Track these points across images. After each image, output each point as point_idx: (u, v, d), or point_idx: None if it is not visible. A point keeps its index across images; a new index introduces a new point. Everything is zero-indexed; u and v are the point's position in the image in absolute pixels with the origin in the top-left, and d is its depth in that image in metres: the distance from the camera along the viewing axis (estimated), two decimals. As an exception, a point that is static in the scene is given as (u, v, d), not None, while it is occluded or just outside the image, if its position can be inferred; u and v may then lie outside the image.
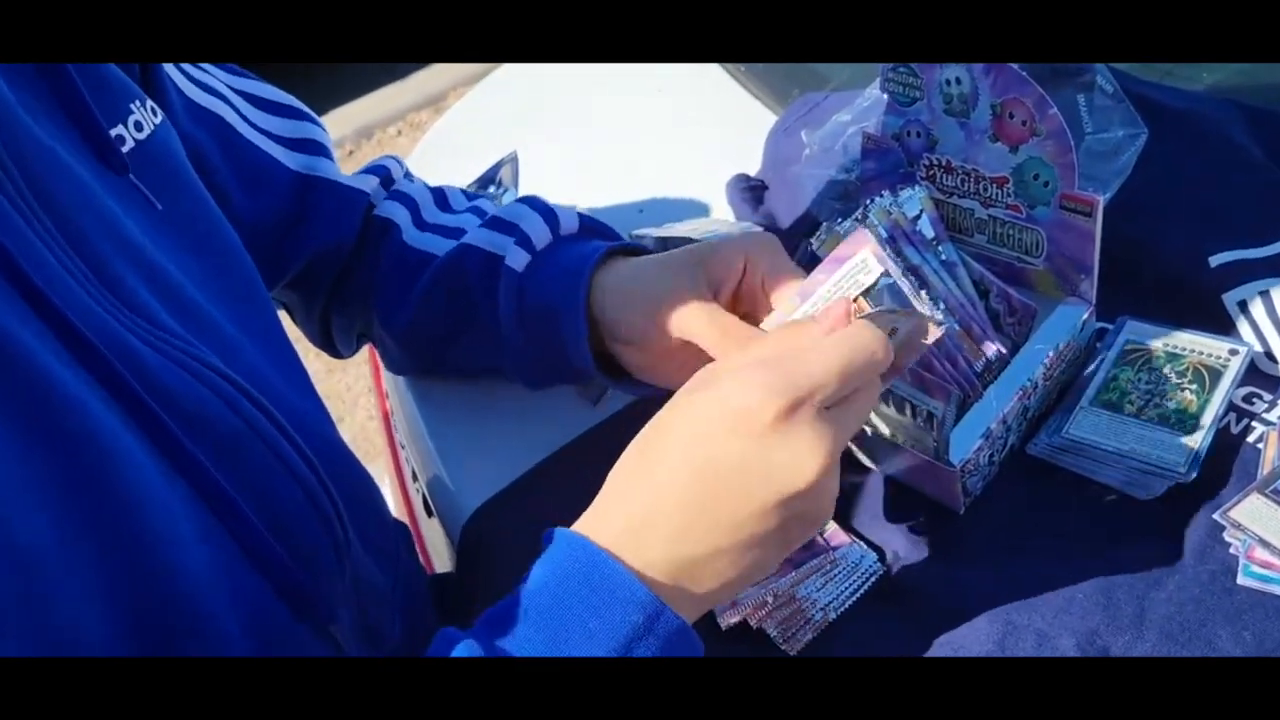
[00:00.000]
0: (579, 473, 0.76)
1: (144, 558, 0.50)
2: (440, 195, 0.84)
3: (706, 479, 0.52)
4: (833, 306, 0.57)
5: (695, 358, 0.64)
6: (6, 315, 0.49)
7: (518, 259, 0.75)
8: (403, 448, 0.98)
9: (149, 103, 0.65)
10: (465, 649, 0.51)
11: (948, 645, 0.62)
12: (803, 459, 0.51)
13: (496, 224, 0.78)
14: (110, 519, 0.49)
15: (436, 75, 3.19)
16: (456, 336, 0.79)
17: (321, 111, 3.08)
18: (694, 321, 0.66)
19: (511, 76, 1.24)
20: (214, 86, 0.77)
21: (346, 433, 2.25)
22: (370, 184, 0.82)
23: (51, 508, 0.47)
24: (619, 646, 0.51)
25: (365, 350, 1.04)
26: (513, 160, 1.01)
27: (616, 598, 0.51)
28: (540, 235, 0.76)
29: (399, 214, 0.82)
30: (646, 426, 0.55)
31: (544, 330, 0.73)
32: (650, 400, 0.79)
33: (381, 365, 0.99)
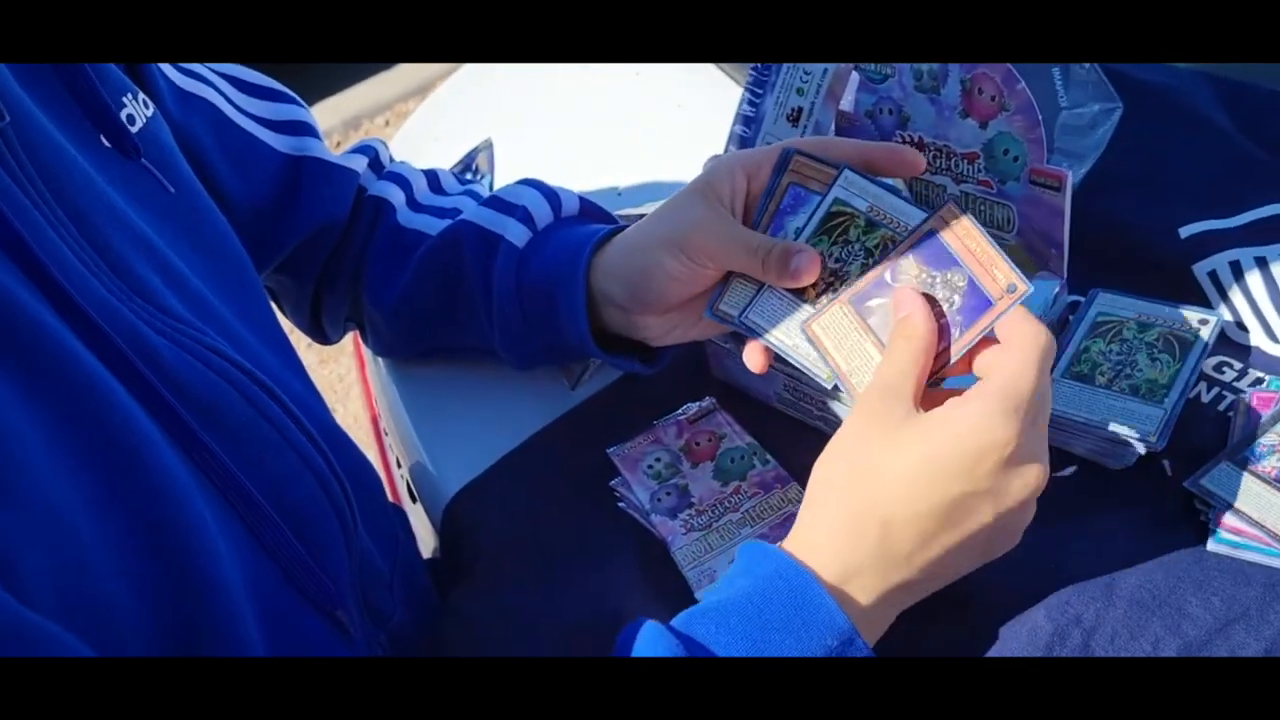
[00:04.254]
0: (556, 456, 0.78)
1: (167, 537, 0.51)
2: (433, 177, 0.85)
3: (937, 517, 0.54)
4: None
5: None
6: (32, 303, 0.49)
7: (519, 235, 0.76)
8: (386, 434, 0.98)
9: (140, 95, 0.65)
10: (667, 646, 0.52)
11: (917, 623, 0.62)
12: (1034, 473, 0.54)
13: (496, 203, 0.79)
14: (137, 498, 0.50)
15: (423, 66, 3.18)
16: (446, 313, 0.80)
17: (309, 102, 3.04)
18: (730, 252, 0.64)
19: (489, 63, 1.24)
20: (200, 73, 0.77)
21: (340, 423, 2.24)
22: (360, 164, 0.83)
23: (85, 486, 0.48)
24: None
25: (353, 340, 1.04)
26: (488, 147, 1.01)
27: (817, 619, 0.53)
28: (542, 215, 0.77)
29: (393, 194, 0.82)
30: (837, 458, 0.56)
31: (539, 306, 0.73)
32: (630, 381, 0.80)
33: (365, 355, 1.00)
